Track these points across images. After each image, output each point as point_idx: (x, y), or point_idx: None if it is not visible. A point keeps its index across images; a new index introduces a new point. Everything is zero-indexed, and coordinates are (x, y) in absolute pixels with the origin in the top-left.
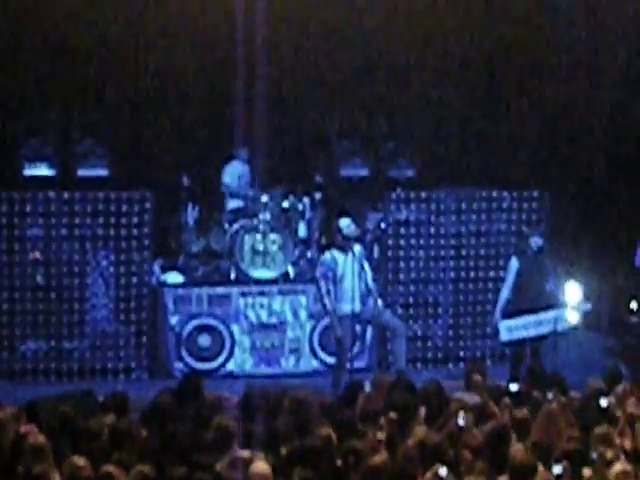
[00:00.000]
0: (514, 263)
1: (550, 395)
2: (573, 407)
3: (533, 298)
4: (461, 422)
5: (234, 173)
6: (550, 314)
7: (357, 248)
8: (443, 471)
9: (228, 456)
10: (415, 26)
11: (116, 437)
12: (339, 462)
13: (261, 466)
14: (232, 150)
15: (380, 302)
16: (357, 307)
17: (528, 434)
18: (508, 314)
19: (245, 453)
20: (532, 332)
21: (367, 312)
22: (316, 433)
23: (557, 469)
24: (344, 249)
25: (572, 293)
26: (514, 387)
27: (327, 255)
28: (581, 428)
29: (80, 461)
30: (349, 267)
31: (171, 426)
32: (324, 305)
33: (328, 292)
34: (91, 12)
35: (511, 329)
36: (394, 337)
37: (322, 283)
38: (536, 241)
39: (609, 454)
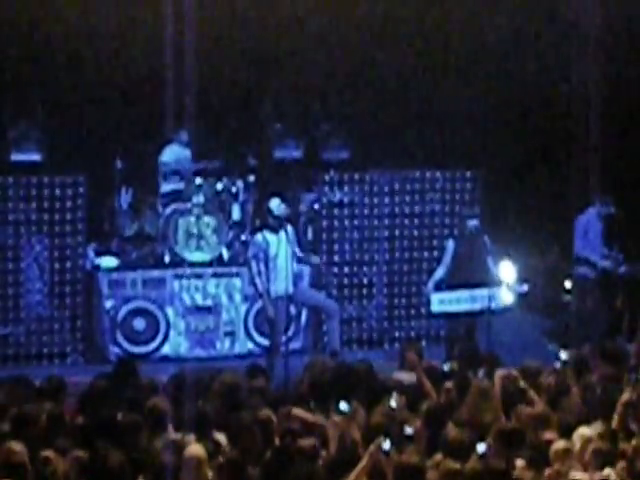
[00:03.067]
0: (450, 245)
1: (481, 373)
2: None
3: (468, 275)
4: (393, 404)
5: (171, 156)
6: (484, 291)
7: (290, 230)
8: (386, 445)
9: (162, 438)
10: (346, 5)
11: (53, 422)
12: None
13: (195, 449)
14: (170, 134)
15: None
16: (290, 288)
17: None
18: (442, 287)
19: (178, 436)
20: (464, 307)
21: (300, 293)
22: (255, 414)
23: (481, 447)
24: (276, 230)
25: (507, 273)
26: (447, 367)
27: (258, 236)
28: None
29: (17, 446)
30: (282, 248)
31: (107, 410)
32: (255, 286)
33: (259, 273)
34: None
35: (443, 301)
36: (328, 318)
37: (253, 264)
38: (472, 223)
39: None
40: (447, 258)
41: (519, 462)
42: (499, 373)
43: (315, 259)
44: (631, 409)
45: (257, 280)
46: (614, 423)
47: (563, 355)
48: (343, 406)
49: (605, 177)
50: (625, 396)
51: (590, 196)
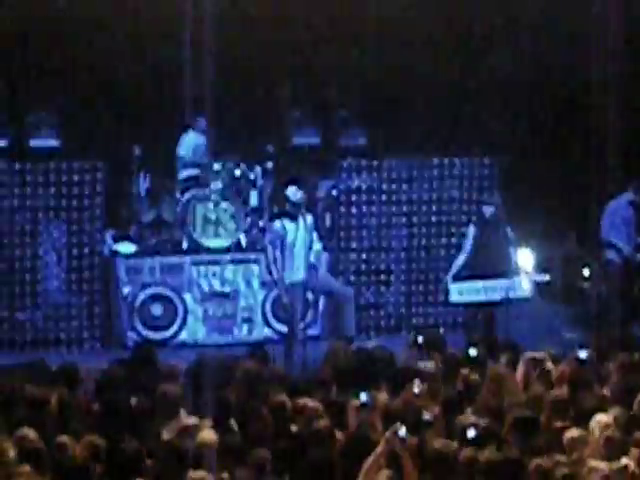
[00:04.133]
0: (471, 231)
1: (503, 360)
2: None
3: (487, 264)
4: (416, 390)
5: (189, 145)
6: (503, 281)
7: (308, 217)
8: (402, 431)
9: (175, 424)
10: None
11: (64, 408)
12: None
13: (208, 434)
14: (189, 120)
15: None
16: (302, 275)
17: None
18: (461, 277)
19: (192, 420)
20: (483, 297)
21: (314, 281)
22: (270, 400)
23: (471, 432)
24: (294, 217)
25: (525, 261)
26: (473, 352)
27: (276, 223)
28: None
29: (30, 433)
30: (300, 235)
31: (122, 396)
32: (270, 272)
33: (275, 260)
34: None
35: (462, 292)
36: (343, 304)
37: (269, 250)
38: (488, 209)
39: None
40: (467, 245)
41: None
42: (526, 356)
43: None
44: None
45: (272, 267)
46: (635, 409)
47: (582, 354)
48: (363, 397)
49: (629, 165)
50: None
51: (608, 184)
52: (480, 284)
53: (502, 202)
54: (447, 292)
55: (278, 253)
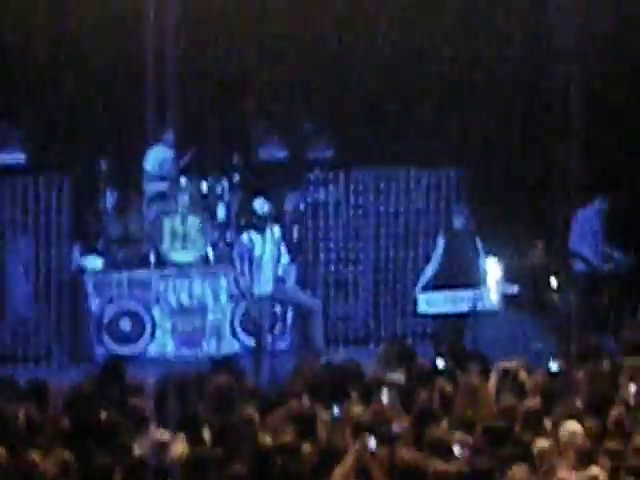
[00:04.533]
0: (440, 242)
1: (473, 371)
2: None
3: (456, 275)
4: (385, 399)
5: (156, 159)
6: (472, 292)
7: (276, 230)
8: (372, 443)
9: (145, 438)
10: (326, 6)
11: (34, 424)
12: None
13: (180, 448)
14: (155, 134)
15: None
16: (269, 289)
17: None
18: (429, 288)
19: (164, 435)
20: (451, 308)
21: (281, 294)
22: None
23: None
24: (261, 230)
25: (492, 271)
26: (441, 363)
27: (244, 236)
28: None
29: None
30: (268, 248)
31: (92, 411)
32: (238, 285)
33: (242, 273)
34: None
35: (430, 302)
36: (311, 317)
37: (237, 263)
38: (458, 221)
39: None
40: (436, 256)
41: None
42: (499, 366)
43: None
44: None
45: (240, 280)
46: (610, 419)
47: (553, 366)
48: (334, 410)
49: (596, 174)
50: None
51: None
52: (448, 295)
53: (470, 214)
54: (415, 303)
55: (246, 266)
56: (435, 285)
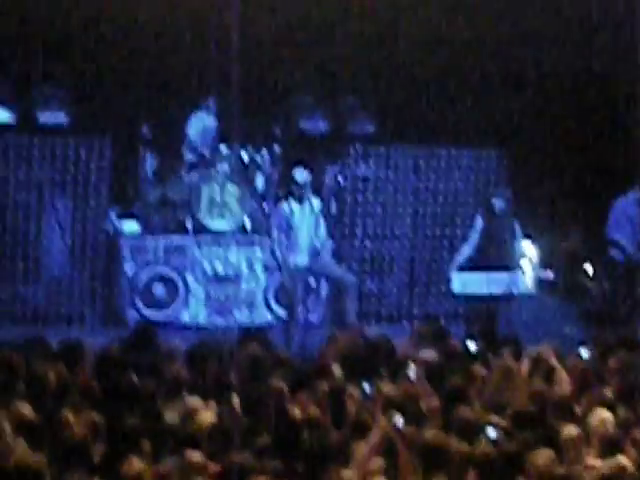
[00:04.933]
0: (479, 222)
1: (505, 354)
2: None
3: (493, 256)
4: (412, 375)
5: (198, 126)
6: (507, 275)
7: (316, 202)
8: (399, 420)
9: (178, 405)
10: None
11: (63, 384)
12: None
13: (209, 416)
14: (198, 101)
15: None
16: (306, 260)
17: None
18: (465, 268)
19: (196, 402)
20: (486, 289)
21: (317, 266)
22: (269, 386)
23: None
24: (300, 199)
25: (529, 255)
26: (472, 346)
27: (284, 205)
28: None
29: (26, 407)
30: (306, 219)
31: (123, 375)
32: (274, 255)
33: (280, 244)
34: None
35: (465, 283)
36: (345, 292)
37: (275, 233)
38: (498, 202)
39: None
40: (474, 236)
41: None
42: (531, 352)
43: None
44: None
45: (277, 250)
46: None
47: (584, 352)
48: (364, 386)
49: (637, 163)
50: None
51: (616, 181)
52: (483, 276)
53: (511, 196)
54: (450, 282)
55: (283, 236)
56: (471, 266)
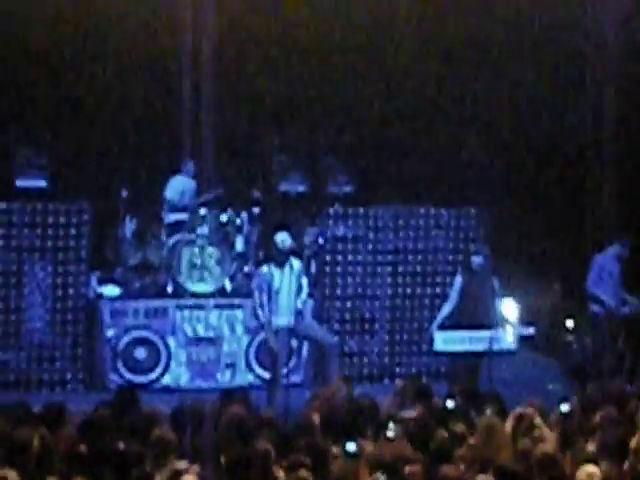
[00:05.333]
0: (458, 280)
1: (488, 412)
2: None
3: (473, 314)
4: (391, 434)
5: (177, 188)
6: (488, 333)
7: (296, 263)
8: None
9: (167, 469)
10: (352, 37)
11: (49, 450)
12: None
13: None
14: (177, 164)
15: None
16: (292, 322)
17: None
18: (446, 326)
19: (183, 465)
20: (467, 347)
21: (300, 328)
22: (255, 447)
23: None
24: (281, 263)
25: (510, 312)
26: (451, 404)
27: (264, 268)
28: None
29: (11, 474)
30: (286, 281)
31: (108, 439)
32: (257, 317)
33: (262, 305)
34: (31, 19)
35: (447, 341)
36: (327, 352)
37: (256, 294)
38: (477, 260)
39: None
40: (454, 294)
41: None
42: (515, 411)
43: None
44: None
45: (259, 311)
46: (626, 466)
47: (564, 408)
48: (350, 447)
49: (618, 218)
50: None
51: (596, 236)
52: (465, 334)
53: (489, 253)
54: (432, 341)
55: (265, 298)
56: (452, 324)
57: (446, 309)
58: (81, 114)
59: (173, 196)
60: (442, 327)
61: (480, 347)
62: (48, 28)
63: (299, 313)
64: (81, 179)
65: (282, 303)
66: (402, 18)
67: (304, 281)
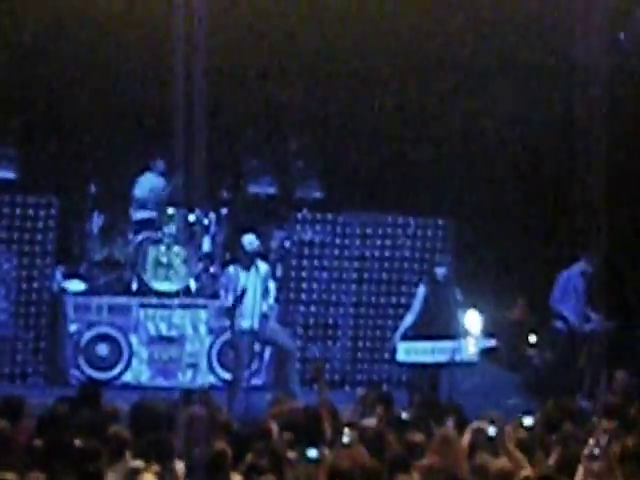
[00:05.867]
0: (421, 291)
1: (450, 423)
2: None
3: (436, 326)
4: (346, 440)
5: (145, 186)
6: (450, 344)
7: (263, 267)
8: None
9: (120, 466)
10: (325, 44)
11: (9, 442)
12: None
13: (151, 478)
14: (147, 161)
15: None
16: (256, 325)
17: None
18: (409, 337)
19: (138, 464)
20: (430, 358)
21: (264, 332)
22: (212, 447)
23: None
24: (247, 266)
25: (473, 324)
26: (406, 414)
27: (230, 269)
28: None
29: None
30: (251, 284)
31: (66, 434)
32: (225, 314)
33: (228, 305)
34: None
35: (409, 351)
36: (287, 359)
37: (222, 295)
38: (440, 271)
39: None
40: (417, 304)
41: None
42: (473, 425)
43: None
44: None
45: (225, 311)
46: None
47: (527, 421)
48: (312, 453)
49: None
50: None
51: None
52: (427, 345)
53: (453, 264)
54: (395, 351)
55: (230, 298)
56: (415, 335)
57: (409, 319)
58: (52, 108)
59: (141, 194)
60: (405, 337)
61: (442, 358)
62: (17, 22)
63: (265, 317)
64: (50, 173)
65: (247, 305)
66: (378, 25)
67: (271, 285)
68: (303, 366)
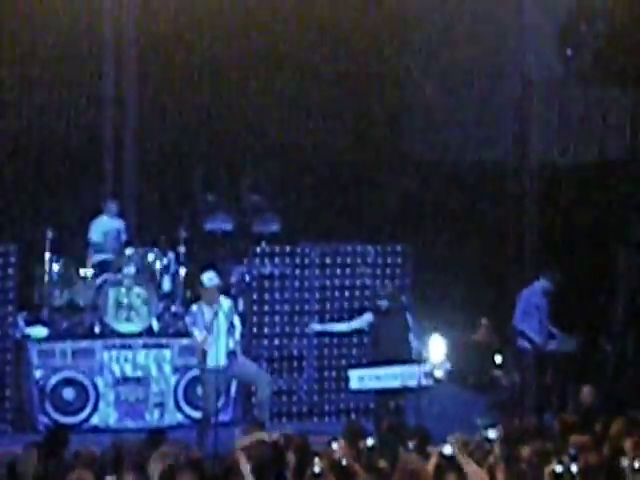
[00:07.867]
0: (368, 317)
1: (411, 446)
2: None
3: (387, 351)
4: (317, 469)
5: (100, 229)
6: (400, 369)
7: (227, 303)
8: None
9: None
10: (277, 77)
11: None
12: None
13: None
14: (100, 203)
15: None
16: (222, 362)
17: None
18: (358, 364)
19: None
20: (382, 384)
21: (233, 368)
22: None
23: None
24: (210, 303)
25: (436, 348)
26: (370, 441)
27: (194, 307)
28: None
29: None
30: (217, 321)
31: None
32: (192, 353)
33: (196, 342)
34: None
35: (362, 378)
36: (259, 390)
37: (194, 331)
38: (382, 304)
39: None
40: (356, 323)
41: None
42: (438, 448)
43: None
44: None
45: (195, 348)
46: None
47: (491, 434)
48: None
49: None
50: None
51: (522, 271)
52: (378, 371)
53: (413, 290)
54: (347, 379)
55: (204, 334)
56: (367, 362)
57: (342, 326)
58: (4, 155)
59: (97, 238)
60: (355, 365)
61: (395, 384)
62: None
63: (232, 353)
64: (6, 220)
65: (210, 344)
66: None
67: (236, 321)
68: (271, 399)
